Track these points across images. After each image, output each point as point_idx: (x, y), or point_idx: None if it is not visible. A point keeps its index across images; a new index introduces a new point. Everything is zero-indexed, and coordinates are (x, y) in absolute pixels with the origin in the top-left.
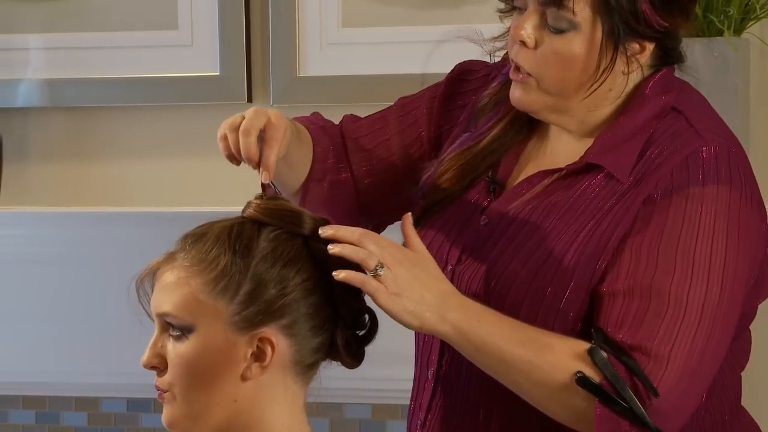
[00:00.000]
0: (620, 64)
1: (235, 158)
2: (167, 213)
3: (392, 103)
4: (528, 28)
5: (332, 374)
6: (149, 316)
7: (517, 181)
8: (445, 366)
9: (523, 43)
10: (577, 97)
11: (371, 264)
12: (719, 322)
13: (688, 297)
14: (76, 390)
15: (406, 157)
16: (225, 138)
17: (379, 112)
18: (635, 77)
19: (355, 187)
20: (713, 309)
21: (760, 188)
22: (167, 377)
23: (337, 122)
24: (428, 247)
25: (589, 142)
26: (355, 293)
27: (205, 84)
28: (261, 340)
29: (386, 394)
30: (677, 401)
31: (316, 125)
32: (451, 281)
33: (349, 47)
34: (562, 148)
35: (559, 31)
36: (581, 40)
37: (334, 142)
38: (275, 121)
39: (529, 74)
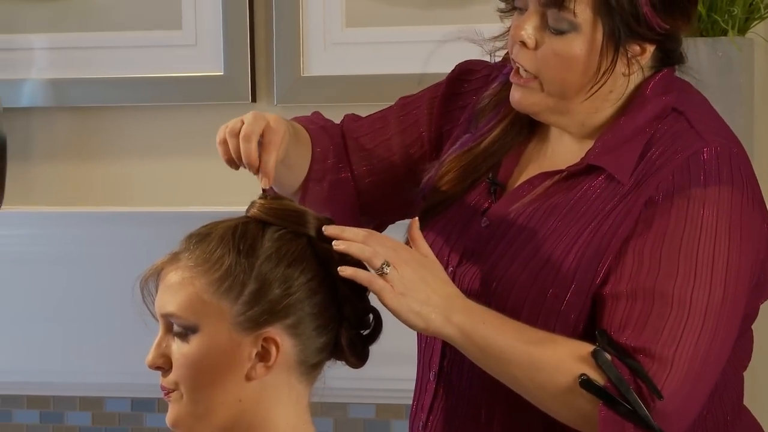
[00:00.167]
0: (621, 66)
1: (234, 163)
2: (171, 213)
3: (393, 103)
4: (528, 29)
5: (336, 374)
6: (153, 316)
7: (518, 183)
8: (446, 367)
9: (523, 44)
10: (577, 98)
11: (377, 262)
12: (723, 324)
13: (692, 299)
14: (80, 390)
15: (407, 157)
16: (224, 143)
17: (379, 111)
18: (636, 78)
19: (356, 186)
20: (717, 310)
21: (762, 188)
22: (172, 377)
23: (339, 122)
24: None
25: (589, 144)
26: (359, 293)
27: (209, 84)
28: (266, 340)
29: (390, 394)
30: (681, 403)
31: (316, 125)
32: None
33: (353, 47)
34: (562, 150)
35: (560, 32)
36: (582, 42)
37: (334, 141)
38: (274, 125)
39: (534, 77)
